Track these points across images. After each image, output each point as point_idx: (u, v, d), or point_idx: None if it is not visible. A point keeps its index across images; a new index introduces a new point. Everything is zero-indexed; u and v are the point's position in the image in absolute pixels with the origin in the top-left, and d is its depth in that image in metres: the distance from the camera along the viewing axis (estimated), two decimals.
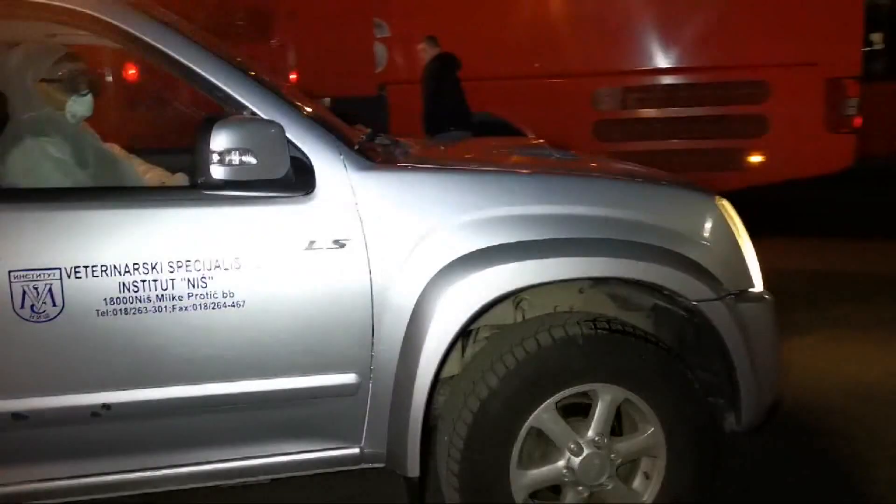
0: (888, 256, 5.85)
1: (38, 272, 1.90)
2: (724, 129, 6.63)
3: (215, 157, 1.91)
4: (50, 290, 1.90)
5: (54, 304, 1.91)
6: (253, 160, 1.92)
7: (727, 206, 2.33)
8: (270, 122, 1.97)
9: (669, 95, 6.82)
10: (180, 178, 2.63)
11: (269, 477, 2.17)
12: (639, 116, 6.92)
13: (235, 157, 1.91)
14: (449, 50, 6.33)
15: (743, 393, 2.23)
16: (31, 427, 1.96)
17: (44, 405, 1.95)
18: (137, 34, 2.02)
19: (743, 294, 2.25)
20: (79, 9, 2.02)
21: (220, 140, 1.90)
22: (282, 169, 1.96)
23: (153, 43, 2.02)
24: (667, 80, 6.85)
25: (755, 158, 6.60)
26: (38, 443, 2.00)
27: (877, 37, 7.76)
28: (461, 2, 7.11)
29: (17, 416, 1.94)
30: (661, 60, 6.81)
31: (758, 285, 2.30)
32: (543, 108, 6.81)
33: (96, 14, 2.01)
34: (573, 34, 6.88)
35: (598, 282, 2.32)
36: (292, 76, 7.49)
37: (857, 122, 6.29)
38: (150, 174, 2.74)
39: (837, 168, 6.44)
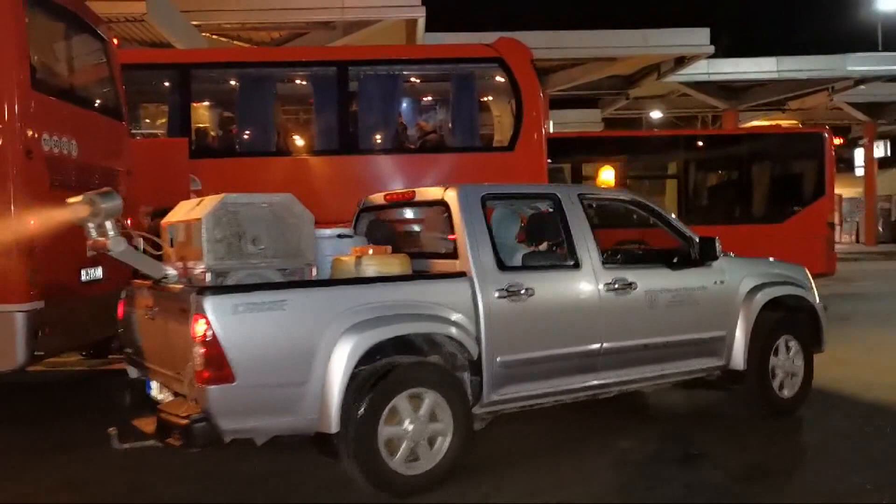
0: None
1: (662, 292, 5.33)
2: None
3: (706, 249, 5.46)
4: (654, 296, 5.27)
5: (653, 304, 5.24)
6: (719, 249, 5.55)
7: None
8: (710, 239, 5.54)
9: None
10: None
11: (684, 378, 5.54)
12: None
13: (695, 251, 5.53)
14: None
15: (822, 329, 6.17)
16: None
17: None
18: (648, 203, 5.74)
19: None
20: (635, 198, 5.81)
21: (708, 245, 5.48)
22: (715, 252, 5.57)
23: (652, 206, 5.73)
24: None
25: None
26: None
27: None
28: None
29: (647, 347, 5.23)
30: None
31: None
32: None
33: (635, 198, 5.79)
34: None
35: None
36: None
37: None
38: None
39: None
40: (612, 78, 25.96)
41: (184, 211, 4.67)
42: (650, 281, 5.25)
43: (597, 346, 5.00)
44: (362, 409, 4.08)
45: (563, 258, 5.14)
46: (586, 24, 22.17)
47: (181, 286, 4.36)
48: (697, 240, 5.54)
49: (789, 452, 5.12)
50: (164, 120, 10.14)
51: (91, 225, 4.32)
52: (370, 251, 4.85)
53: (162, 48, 13.71)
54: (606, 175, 12.93)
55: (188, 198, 7.61)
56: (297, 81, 10.55)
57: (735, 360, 5.61)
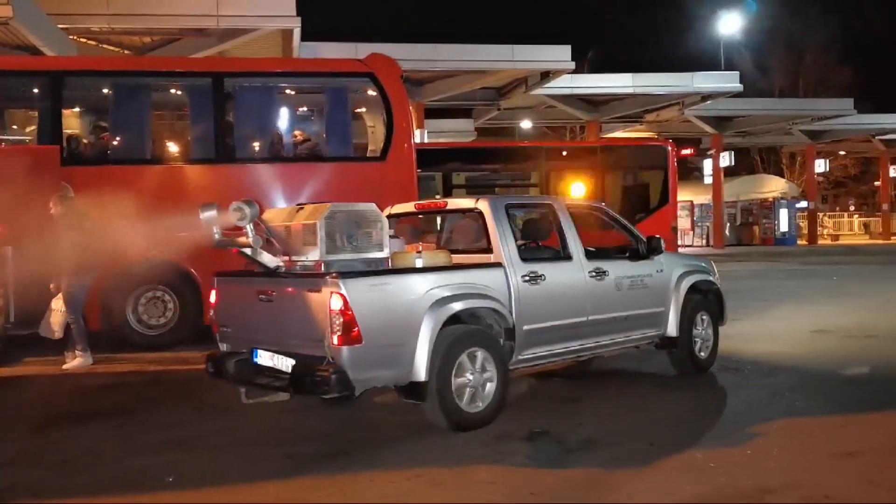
0: None
1: (625, 278, 6.85)
2: None
3: (653, 245, 6.99)
4: (619, 281, 6.76)
5: (619, 287, 6.75)
6: (663, 245, 7.15)
7: None
8: (655, 237, 7.13)
9: None
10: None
11: (637, 344, 7.10)
12: None
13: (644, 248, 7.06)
14: None
15: (725, 307, 7.95)
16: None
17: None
18: (611, 212, 7.36)
19: None
20: (602, 207, 7.49)
21: (654, 243, 7.03)
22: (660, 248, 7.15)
23: (614, 214, 7.32)
24: None
25: None
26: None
27: None
28: None
29: (615, 319, 6.73)
30: None
31: None
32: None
33: (601, 207, 7.48)
34: None
35: None
36: None
37: None
38: None
39: None
40: (485, 89, 27.10)
41: (283, 216, 5.85)
42: (617, 270, 6.76)
43: (584, 318, 6.46)
44: (441, 363, 5.42)
45: (560, 252, 6.55)
46: (460, 37, 23.13)
47: (308, 273, 5.52)
48: (646, 239, 7.08)
49: (619, 428, 5.87)
50: (34, 127, 10.08)
51: (216, 228, 5.49)
52: (420, 247, 6.10)
53: (28, 52, 13.45)
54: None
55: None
56: (173, 91, 10.73)
57: (670, 330, 7.18)
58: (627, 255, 7.01)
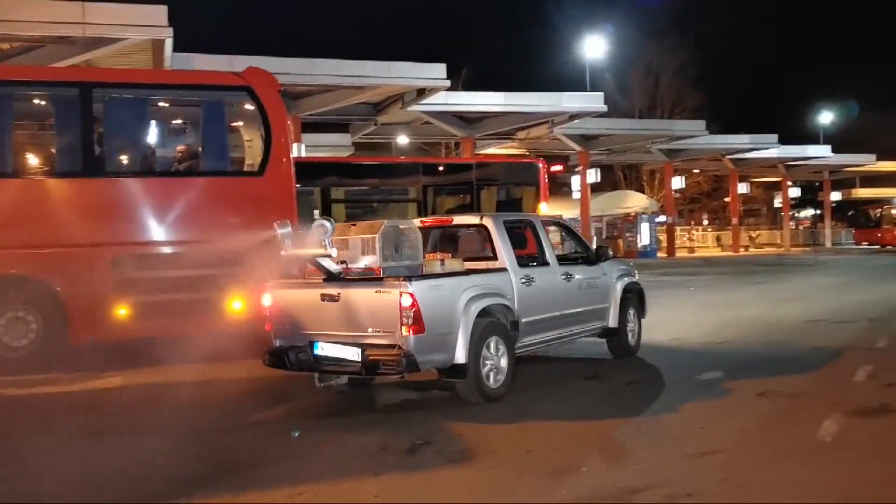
0: None
1: (584, 279, 8.52)
2: None
3: (600, 253, 8.78)
4: (581, 282, 8.38)
5: (580, 287, 8.37)
6: (610, 253, 9.12)
7: None
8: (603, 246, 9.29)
9: None
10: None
11: (589, 333, 8.70)
12: None
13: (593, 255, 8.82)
14: None
15: (645, 303, 9.73)
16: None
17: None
18: (568, 226, 9.75)
19: None
20: (561, 223, 9.98)
21: (602, 251, 8.87)
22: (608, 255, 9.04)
23: (570, 226, 9.69)
24: None
25: None
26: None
27: None
28: None
29: (579, 313, 8.34)
30: None
31: None
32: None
33: (561, 222, 10.00)
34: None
35: None
36: None
37: None
38: None
39: None
40: (362, 104, 27.11)
41: (338, 232, 6.72)
42: (578, 273, 8.35)
43: (560, 312, 7.95)
44: (474, 348, 6.70)
45: (541, 259, 8.06)
46: (338, 52, 23.13)
47: (373, 277, 6.66)
48: (595, 247, 8.83)
49: (496, 436, 6.13)
50: None
51: (288, 240, 6.55)
52: (439, 256, 7.54)
53: None
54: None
55: None
56: (37, 101, 10.22)
57: (611, 322, 8.81)
58: (580, 261, 8.61)
